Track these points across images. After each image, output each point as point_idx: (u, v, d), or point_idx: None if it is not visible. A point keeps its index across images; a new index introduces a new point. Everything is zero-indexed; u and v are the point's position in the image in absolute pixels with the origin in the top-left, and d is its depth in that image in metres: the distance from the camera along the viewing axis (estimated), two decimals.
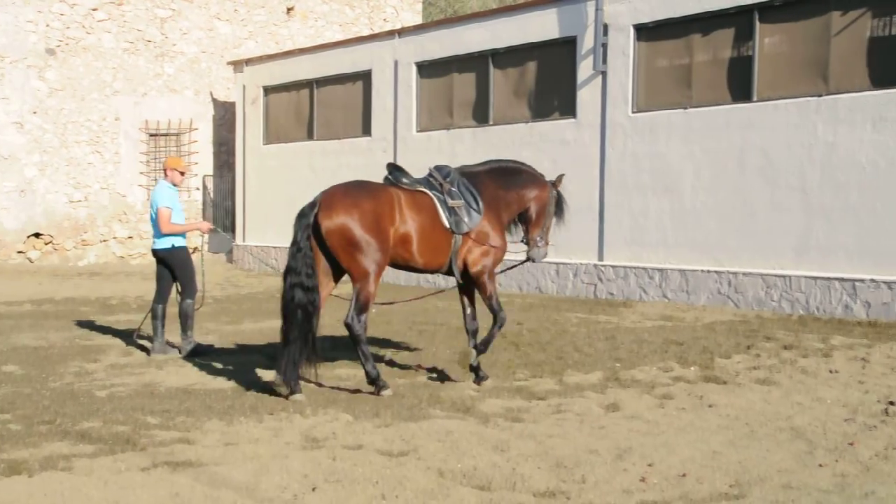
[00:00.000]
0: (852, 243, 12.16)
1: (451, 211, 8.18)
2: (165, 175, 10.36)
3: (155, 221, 10.12)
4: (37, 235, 21.83)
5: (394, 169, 8.38)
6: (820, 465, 5.73)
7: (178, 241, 10.20)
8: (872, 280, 11.88)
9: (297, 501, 5.17)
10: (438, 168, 8.50)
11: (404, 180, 8.27)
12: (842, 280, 12.15)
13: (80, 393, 8.00)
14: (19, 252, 21.63)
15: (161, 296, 10.26)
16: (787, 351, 9.64)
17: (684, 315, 12.57)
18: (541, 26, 15.70)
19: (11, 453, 5.99)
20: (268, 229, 21.35)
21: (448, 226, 8.16)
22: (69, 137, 22.08)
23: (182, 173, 10.40)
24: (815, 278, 12.37)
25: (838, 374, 8.52)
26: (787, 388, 7.97)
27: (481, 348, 8.43)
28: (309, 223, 7.69)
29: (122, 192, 22.77)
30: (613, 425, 6.79)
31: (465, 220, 8.21)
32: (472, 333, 8.53)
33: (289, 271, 7.74)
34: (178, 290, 10.33)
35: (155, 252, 10.26)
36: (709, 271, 13.49)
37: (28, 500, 5.15)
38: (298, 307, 7.67)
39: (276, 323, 12.16)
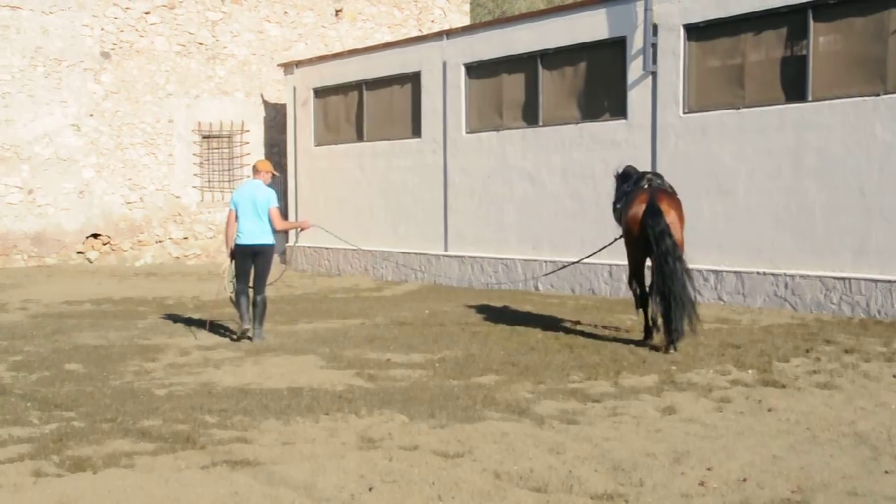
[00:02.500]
0: None
1: None
2: (256, 175, 11.20)
3: (258, 218, 10.86)
4: (95, 236, 22.19)
5: (654, 175, 11.01)
6: (886, 472, 5.62)
7: (273, 239, 11.10)
8: None
9: (354, 501, 5.21)
10: (654, 174, 11.16)
11: (657, 182, 10.72)
12: None
13: (140, 391, 8.13)
14: (79, 252, 22.01)
15: (246, 282, 11.05)
16: (849, 355, 9.47)
17: (740, 318, 12.42)
18: (590, 27, 15.62)
19: (76, 450, 6.13)
20: (319, 230, 21.49)
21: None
22: (124, 139, 22.42)
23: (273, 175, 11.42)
24: (876, 281, 12.14)
25: None
26: (850, 392, 7.82)
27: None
28: (666, 220, 9.91)
29: (176, 194, 23.07)
30: (670, 428, 6.73)
31: None
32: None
33: (672, 255, 9.75)
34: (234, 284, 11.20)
35: (252, 247, 10.91)
36: (765, 273, 13.31)
37: (93, 497, 5.26)
38: (684, 275, 9.74)
39: (331, 324, 12.37)
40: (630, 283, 11.08)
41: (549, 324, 12.13)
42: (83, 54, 21.83)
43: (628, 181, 11.23)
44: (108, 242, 22.32)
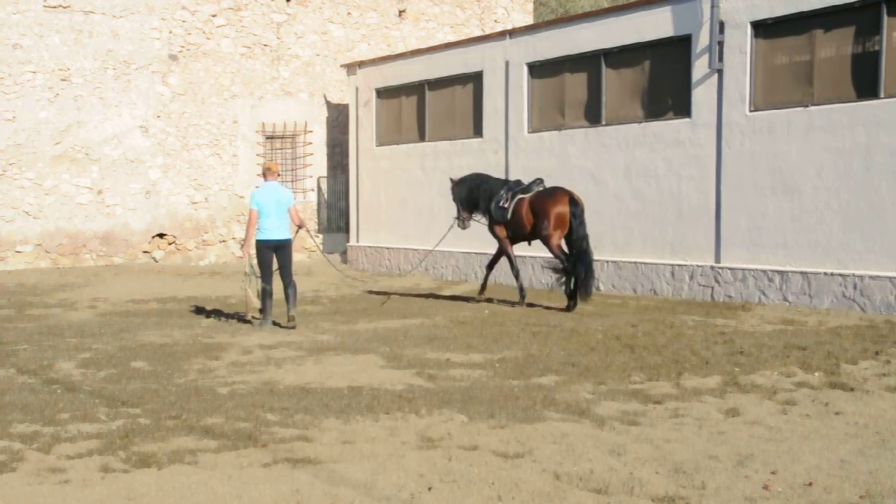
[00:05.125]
0: None
1: None
2: (271, 176, 12.38)
3: (280, 216, 12.09)
4: (161, 236, 22.60)
5: (539, 180, 14.32)
6: None
7: (290, 234, 12.44)
8: None
9: (413, 500, 5.22)
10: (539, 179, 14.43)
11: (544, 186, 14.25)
12: None
13: (203, 389, 8.25)
14: (145, 252, 22.45)
15: (270, 277, 12.22)
16: None
17: (806, 319, 12.18)
18: (654, 25, 15.45)
19: (142, 446, 6.24)
20: (381, 230, 21.63)
21: None
22: (190, 140, 22.80)
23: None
24: None
25: None
26: None
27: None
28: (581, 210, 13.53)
29: (239, 194, 23.38)
30: (733, 431, 6.63)
31: None
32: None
33: (584, 232, 13.46)
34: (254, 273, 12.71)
35: (276, 242, 12.14)
36: (832, 274, 13.04)
37: (158, 492, 5.35)
38: (588, 250, 13.45)
39: (391, 324, 12.43)
40: (512, 265, 14.59)
41: (610, 324, 12.04)
42: (151, 57, 22.25)
43: (497, 185, 14.38)
44: (174, 242, 22.72)
